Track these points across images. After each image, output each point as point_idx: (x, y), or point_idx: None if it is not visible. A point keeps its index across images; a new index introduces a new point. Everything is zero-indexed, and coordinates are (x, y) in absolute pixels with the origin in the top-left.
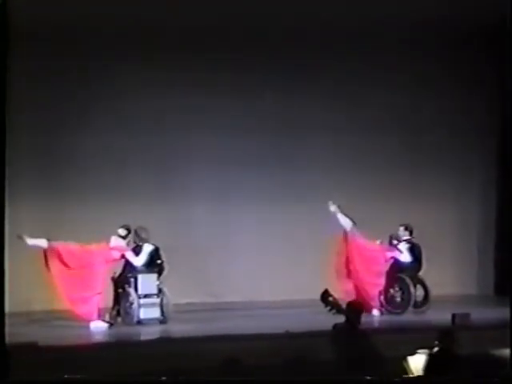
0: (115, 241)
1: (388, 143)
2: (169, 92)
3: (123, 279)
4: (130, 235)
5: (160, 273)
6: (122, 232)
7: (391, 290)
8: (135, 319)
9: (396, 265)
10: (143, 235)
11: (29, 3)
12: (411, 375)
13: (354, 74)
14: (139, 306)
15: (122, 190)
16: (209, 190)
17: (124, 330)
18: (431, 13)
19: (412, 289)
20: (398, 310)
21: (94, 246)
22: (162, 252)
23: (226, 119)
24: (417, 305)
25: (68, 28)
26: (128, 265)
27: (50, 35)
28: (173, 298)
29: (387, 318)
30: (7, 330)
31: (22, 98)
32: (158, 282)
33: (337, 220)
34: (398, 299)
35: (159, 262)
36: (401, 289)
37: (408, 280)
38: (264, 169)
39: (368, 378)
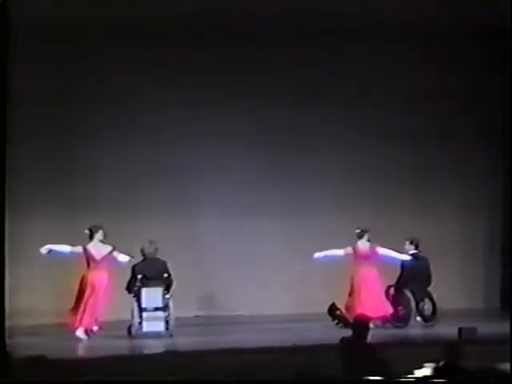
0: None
1: (393, 157)
2: (178, 106)
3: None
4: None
5: (168, 287)
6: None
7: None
8: (139, 332)
9: (400, 278)
10: (147, 248)
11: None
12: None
13: (357, 89)
14: (142, 319)
15: (130, 204)
16: (217, 204)
17: (128, 343)
18: (430, 16)
19: (412, 303)
20: (400, 324)
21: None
22: (169, 266)
23: (236, 134)
24: (425, 319)
25: (74, 35)
26: (133, 278)
27: (53, 41)
28: (180, 311)
29: (394, 331)
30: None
31: (30, 106)
32: (168, 296)
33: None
34: (401, 313)
35: (166, 275)
36: (402, 303)
37: (409, 294)
38: (272, 184)
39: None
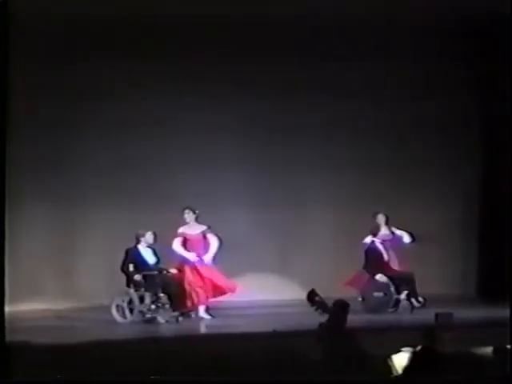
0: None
1: (371, 148)
2: (162, 94)
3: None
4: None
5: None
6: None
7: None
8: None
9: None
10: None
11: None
12: (396, 373)
13: (344, 79)
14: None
15: (115, 194)
16: (198, 192)
17: (112, 329)
18: (429, 13)
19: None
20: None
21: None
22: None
23: (221, 122)
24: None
25: (67, 32)
26: None
27: (49, 39)
28: None
29: (372, 317)
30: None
31: (23, 103)
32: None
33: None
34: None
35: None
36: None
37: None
38: (255, 171)
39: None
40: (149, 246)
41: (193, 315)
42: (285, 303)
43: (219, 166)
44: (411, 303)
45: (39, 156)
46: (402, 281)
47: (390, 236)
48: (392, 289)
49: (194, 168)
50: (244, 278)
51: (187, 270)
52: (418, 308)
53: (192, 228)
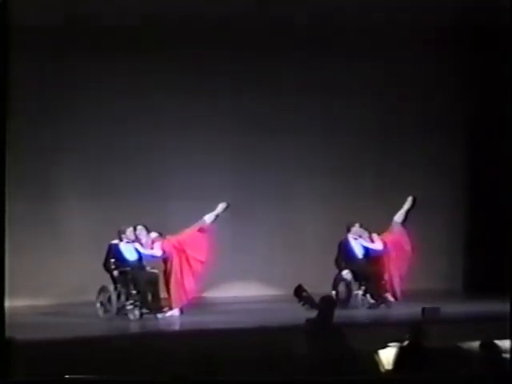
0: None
1: (358, 145)
2: (161, 93)
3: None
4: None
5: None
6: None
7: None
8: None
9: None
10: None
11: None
12: (383, 369)
13: (334, 76)
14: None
15: (107, 191)
16: (188, 188)
17: (99, 325)
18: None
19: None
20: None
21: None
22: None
23: (213, 118)
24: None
25: (65, 27)
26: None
27: (48, 34)
28: None
29: (358, 312)
30: None
31: (21, 96)
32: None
33: None
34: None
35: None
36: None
37: (348, 275)
38: (243, 168)
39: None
40: (130, 243)
41: (169, 314)
42: (272, 299)
43: (215, 164)
44: (362, 299)
45: (32, 154)
46: (363, 277)
47: (367, 235)
48: (353, 284)
49: (189, 166)
50: (233, 274)
51: (171, 267)
52: (376, 306)
53: (146, 245)
